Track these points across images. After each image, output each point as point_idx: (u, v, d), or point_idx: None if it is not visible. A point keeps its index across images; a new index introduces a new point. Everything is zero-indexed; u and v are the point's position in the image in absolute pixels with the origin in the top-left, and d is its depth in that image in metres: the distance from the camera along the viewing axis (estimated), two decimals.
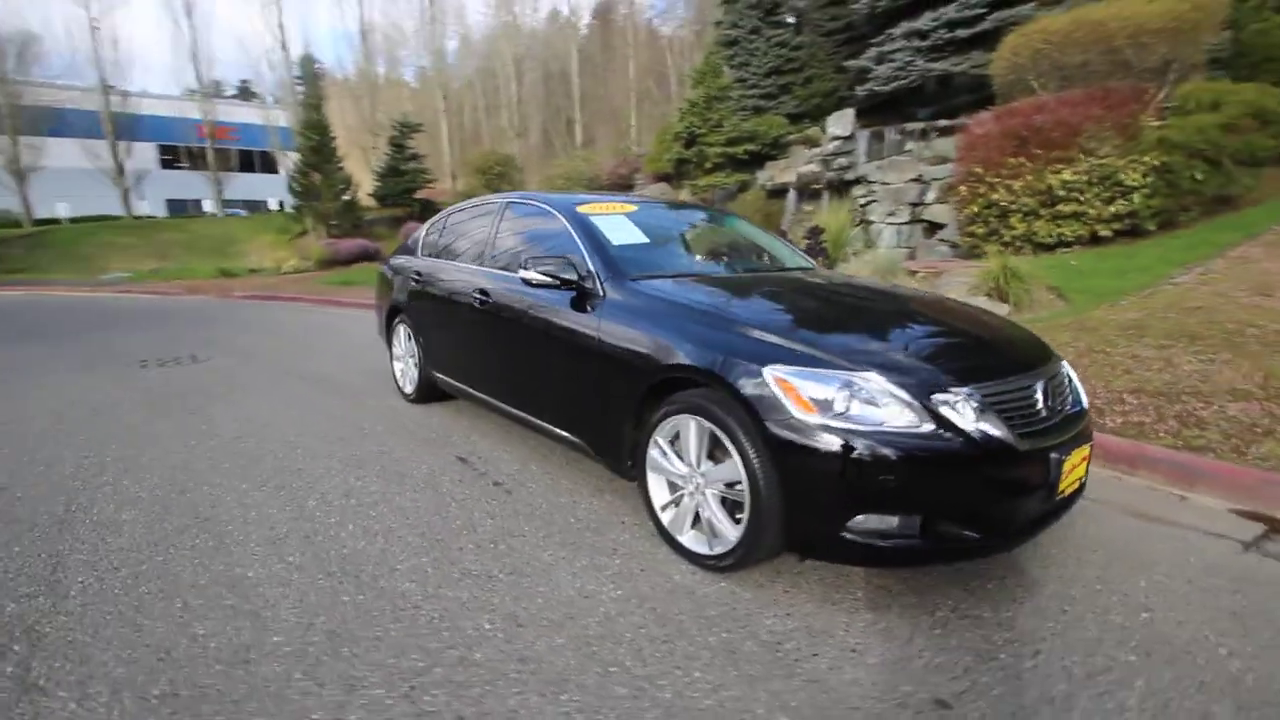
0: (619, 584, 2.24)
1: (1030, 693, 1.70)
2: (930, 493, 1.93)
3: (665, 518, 2.46)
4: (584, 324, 2.75)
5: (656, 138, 17.63)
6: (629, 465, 2.60)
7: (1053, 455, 2.03)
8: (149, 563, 2.41)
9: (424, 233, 4.53)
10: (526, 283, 2.92)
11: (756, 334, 2.22)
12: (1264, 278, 5.23)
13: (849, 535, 1.94)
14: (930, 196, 12.15)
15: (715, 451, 2.25)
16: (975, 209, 8.31)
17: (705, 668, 1.82)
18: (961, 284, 6.34)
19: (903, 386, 1.96)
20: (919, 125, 15.31)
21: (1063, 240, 7.61)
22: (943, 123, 15.00)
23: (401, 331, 4.54)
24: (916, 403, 1.93)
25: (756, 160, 16.20)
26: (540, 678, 1.78)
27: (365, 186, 23.92)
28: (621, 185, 18.93)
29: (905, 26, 14.38)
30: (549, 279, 2.83)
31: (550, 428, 3.07)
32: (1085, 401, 2.40)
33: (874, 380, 1.98)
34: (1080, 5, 11.43)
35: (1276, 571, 2.28)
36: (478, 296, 3.48)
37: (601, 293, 2.75)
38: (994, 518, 1.97)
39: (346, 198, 21.47)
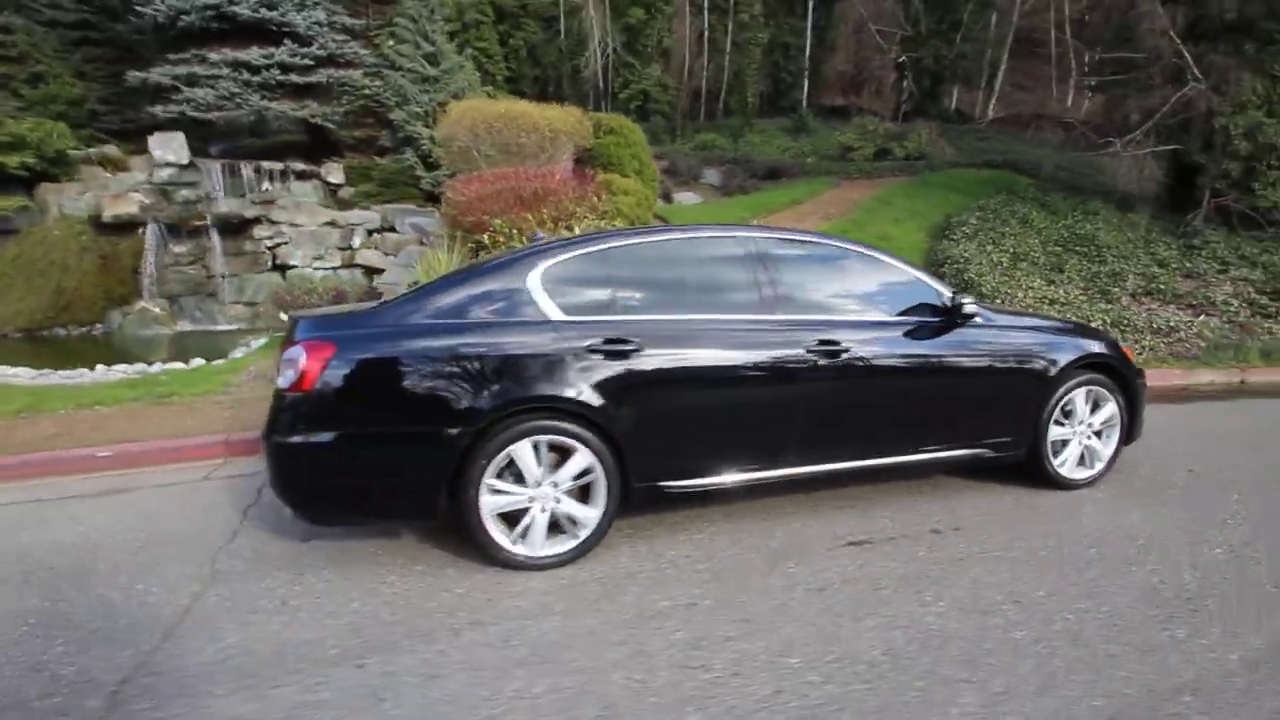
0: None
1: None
2: None
3: (1069, 470, 3.42)
4: (984, 345, 3.23)
5: None
6: (1030, 444, 3.34)
7: None
8: None
9: (539, 282, 2.58)
10: (968, 317, 3.20)
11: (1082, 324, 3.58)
12: None
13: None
14: (357, 241, 11.94)
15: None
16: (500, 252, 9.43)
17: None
18: None
19: None
20: (278, 165, 14.33)
21: None
22: (300, 166, 14.59)
23: (528, 452, 2.48)
24: None
25: (29, 180, 10.93)
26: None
27: None
28: None
29: (229, 55, 12.89)
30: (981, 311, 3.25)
31: (940, 455, 3.26)
32: None
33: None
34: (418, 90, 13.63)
35: None
36: (817, 350, 2.84)
37: (982, 319, 3.26)
38: None
39: None
